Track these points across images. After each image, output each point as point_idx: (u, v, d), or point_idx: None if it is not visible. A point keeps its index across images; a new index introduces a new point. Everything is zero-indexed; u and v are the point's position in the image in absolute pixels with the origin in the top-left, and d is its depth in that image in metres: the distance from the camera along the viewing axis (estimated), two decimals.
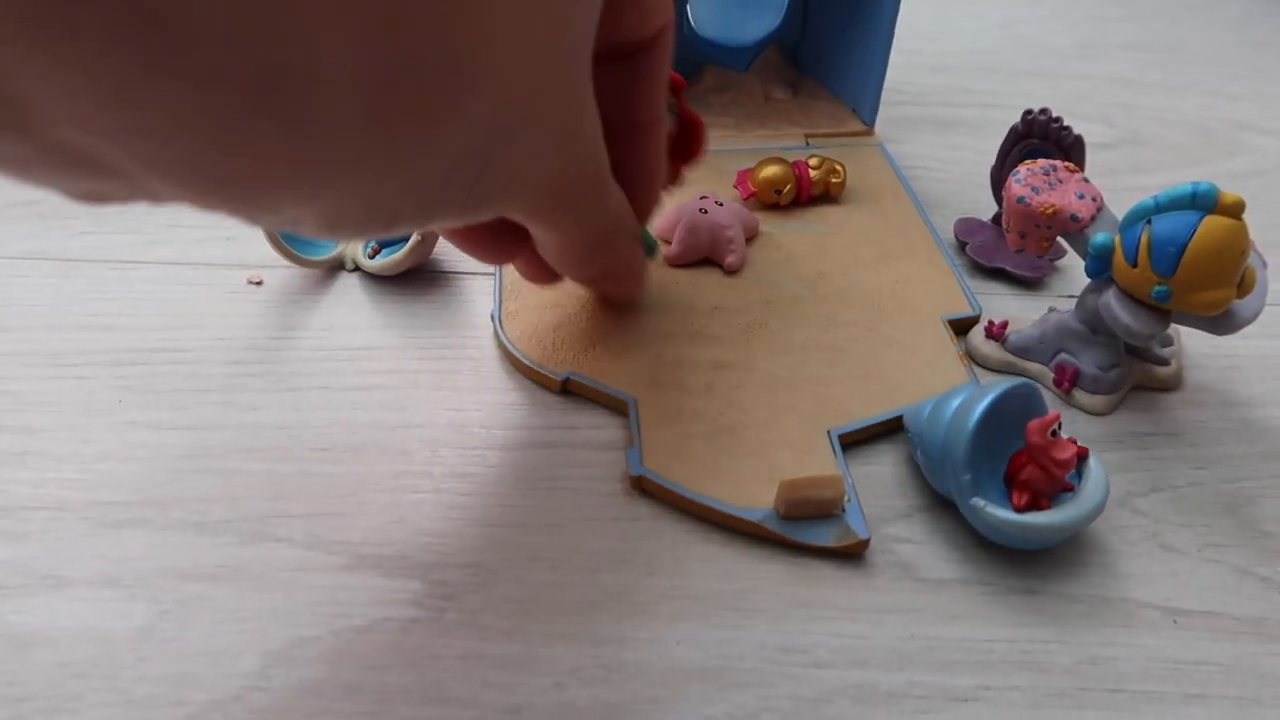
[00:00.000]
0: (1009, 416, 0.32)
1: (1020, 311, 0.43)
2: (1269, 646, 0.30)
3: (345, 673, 0.29)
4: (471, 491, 0.35)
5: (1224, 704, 0.29)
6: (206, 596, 0.31)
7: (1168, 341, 0.40)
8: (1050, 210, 0.35)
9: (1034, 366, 0.39)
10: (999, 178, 0.45)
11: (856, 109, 0.54)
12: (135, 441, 0.36)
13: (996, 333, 0.40)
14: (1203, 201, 0.32)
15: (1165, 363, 0.39)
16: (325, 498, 0.34)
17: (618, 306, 0.41)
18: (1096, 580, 0.32)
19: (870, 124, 0.53)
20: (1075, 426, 0.38)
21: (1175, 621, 0.31)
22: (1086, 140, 0.43)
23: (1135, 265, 0.33)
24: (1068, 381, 0.38)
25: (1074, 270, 0.45)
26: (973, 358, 0.40)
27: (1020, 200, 0.36)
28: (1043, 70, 0.62)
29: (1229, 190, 0.32)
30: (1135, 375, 0.39)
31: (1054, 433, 0.31)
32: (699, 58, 0.57)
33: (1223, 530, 0.34)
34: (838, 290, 0.42)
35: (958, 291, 0.42)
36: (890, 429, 0.37)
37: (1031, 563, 0.32)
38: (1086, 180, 0.37)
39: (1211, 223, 0.32)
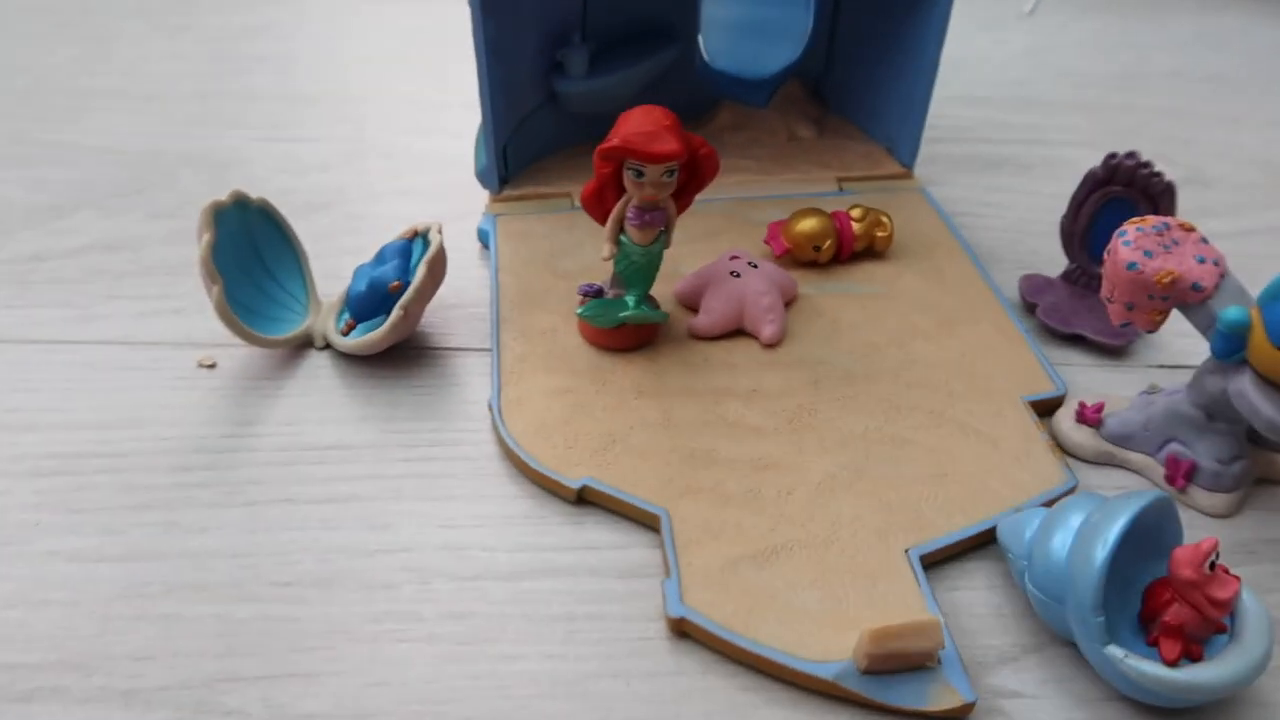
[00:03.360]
0: (1142, 537, 0.26)
1: (1108, 387, 0.37)
2: None
3: None
4: (472, 638, 0.28)
5: None
6: None
7: None
8: (1168, 278, 0.29)
9: (1137, 458, 0.33)
10: (1071, 230, 0.39)
11: (892, 149, 0.48)
12: (54, 579, 0.29)
13: (1091, 417, 0.34)
14: None
15: None
16: (289, 652, 0.27)
17: (638, 391, 0.35)
18: None
19: (909, 166, 0.47)
20: (1193, 534, 0.31)
21: None
22: None
23: None
24: (1182, 478, 0.32)
25: (1164, 335, 0.38)
26: (1063, 447, 0.34)
27: (1131, 266, 0.30)
28: (1084, 102, 0.57)
29: None
30: (1259, 468, 0.33)
31: (1211, 565, 0.25)
32: (713, 93, 0.51)
33: None
34: (895, 366, 0.36)
35: (1035, 365, 0.36)
36: (978, 543, 0.30)
37: (1175, 718, 0.26)
38: (1205, 241, 0.31)
39: None
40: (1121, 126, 0.54)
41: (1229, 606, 0.25)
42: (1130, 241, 0.30)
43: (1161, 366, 0.38)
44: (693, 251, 0.41)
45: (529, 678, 0.27)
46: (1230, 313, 0.28)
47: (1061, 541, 0.27)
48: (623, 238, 0.34)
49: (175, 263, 0.43)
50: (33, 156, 0.51)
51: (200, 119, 0.54)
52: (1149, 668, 0.24)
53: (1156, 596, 0.26)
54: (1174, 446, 0.32)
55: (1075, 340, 0.39)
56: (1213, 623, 0.25)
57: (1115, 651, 0.25)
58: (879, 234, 0.41)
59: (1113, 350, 0.38)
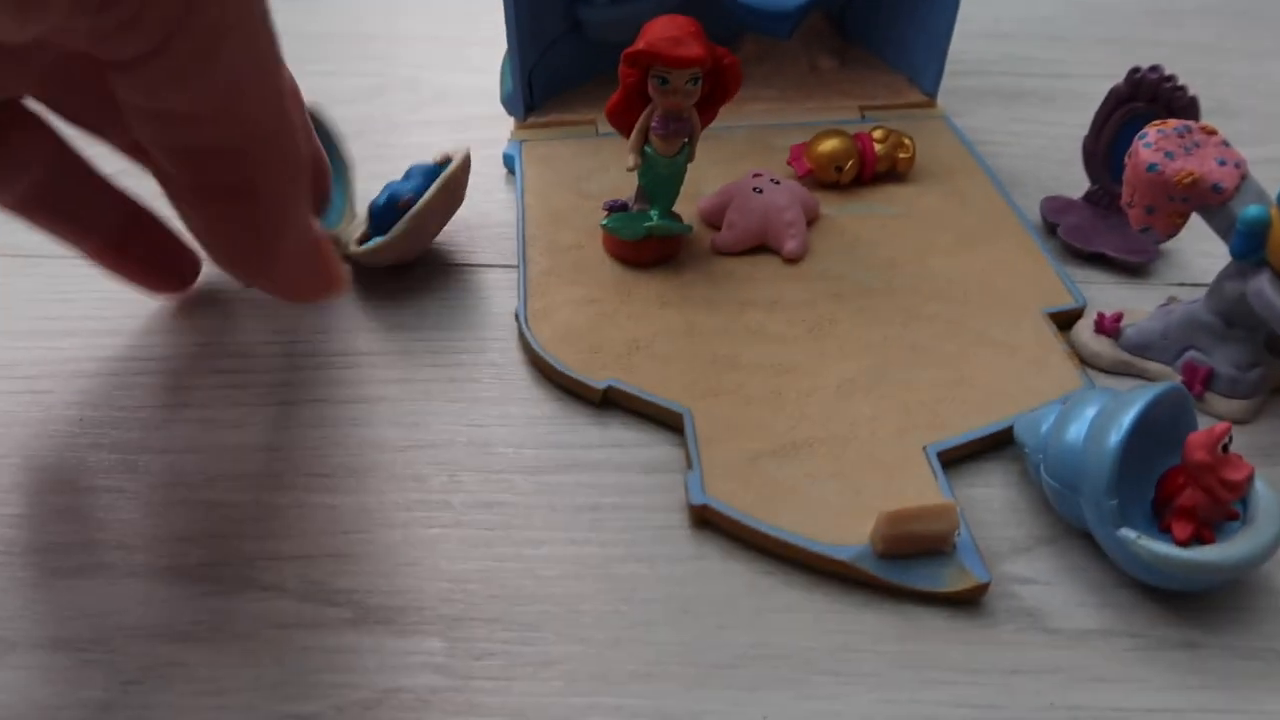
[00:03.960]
0: (1157, 428, 0.26)
1: (1127, 303, 0.37)
2: None
3: None
4: (499, 525, 0.29)
5: None
6: (179, 663, 0.25)
7: None
8: (1189, 179, 0.30)
9: (1155, 367, 0.34)
10: (1093, 150, 0.39)
11: (916, 78, 0.48)
12: (99, 466, 0.31)
13: (1109, 327, 0.34)
14: None
15: None
16: (324, 535, 0.28)
17: (662, 302, 0.35)
18: (1270, 628, 0.26)
19: (933, 94, 0.47)
20: None
21: None
22: None
23: None
24: (1199, 384, 0.32)
25: (1185, 254, 0.39)
26: (1081, 357, 0.34)
27: (1151, 168, 0.30)
28: (1112, 37, 0.57)
29: None
30: (1275, 377, 0.33)
31: (1224, 448, 0.25)
32: (736, 25, 0.51)
33: None
34: (914, 281, 0.36)
35: (1055, 280, 0.37)
36: (996, 443, 0.31)
37: (1187, 608, 0.27)
38: (1226, 144, 0.31)
39: None
40: (1148, 59, 0.53)
41: (1242, 489, 0.25)
42: (1151, 143, 0.30)
43: (1182, 284, 0.38)
44: (716, 175, 0.42)
45: (555, 561, 0.28)
46: (1250, 210, 0.29)
47: (1077, 431, 0.27)
48: (647, 149, 0.35)
49: None
50: None
51: None
52: (1161, 548, 0.25)
53: (1170, 482, 0.26)
54: (1192, 354, 0.33)
55: (1097, 259, 0.39)
56: (1225, 507, 0.26)
57: (1128, 534, 0.25)
58: (901, 155, 0.41)
59: (1134, 268, 0.38)
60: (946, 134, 0.45)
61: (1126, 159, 0.31)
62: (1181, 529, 0.25)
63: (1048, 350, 0.33)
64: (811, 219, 0.39)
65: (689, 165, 0.36)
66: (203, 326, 0.36)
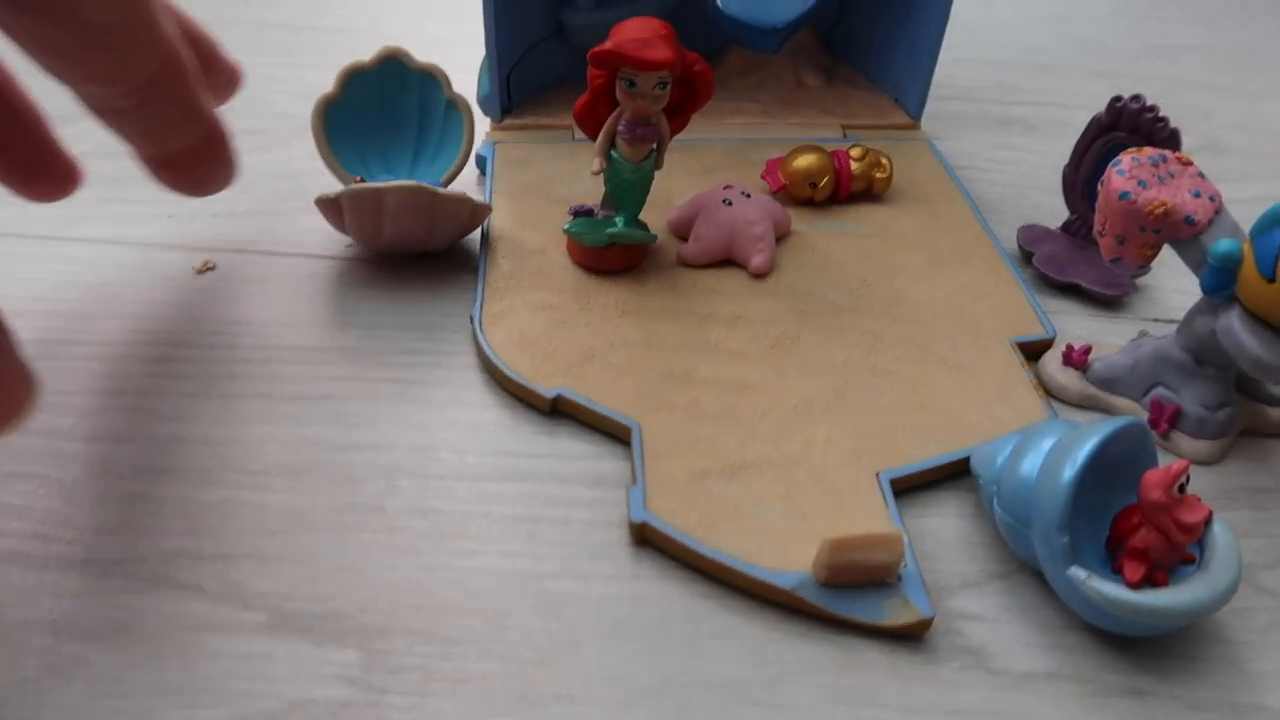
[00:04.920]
0: (1114, 464, 0.25)
1: (1099, 336, 0.36)
2: None
3: None
4: (432, 533, 0.28)
5: None
6: (83, 661, 0.24)
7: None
8: (1160, 209, 0.29)
9: (1122, 402, 0.33)
10: (1073, 179, 0.39)
11: (901, 99, 0.47)
12: (24, 453, 0.30)
13: (1077, 359, 0.33)
14: None
15: (1278, 403, 0.32)
16: (249, 535, 0.27)
17: (621, 311, 0.34)
18: (1220, 679, 0.25)
19: (916, 117, 0.46)
20: None
21: None
22: None
23: (1274, 280, 0.27)
24: (1166, 422, 0.31)
25: (1159, 289, 0.38)
26: (1047, 389, 0.33)
27: (1123, 196, 0.29)
28: (1103, 70, 0.56)
29: None
30: (1245, 419, 0.32)
31: (1181, 489, 0.24)
32: (723, 38, 0.50)
33: None
34: (884, 302, 0.36)
35: (1026, 309, 0.36)
36: (952, 473, 0.30)
37: (1137, 653, 0.26)
38: (1202, 176, 0.30)
39: None
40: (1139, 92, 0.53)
41: (1197, 532, 0.24)
42: (1124, 171, 0.29)
43: (1156, 320, 0.37)
44: (690, 185, 0.41)
45: (486, 573, 0.27)
46: (1221, 244, 0.28)
47: (1031, 463, 0.26)
48: (613, 153, 0.34)
49: None
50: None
51: None
52: (1110, 589, 0.24)
53: (1125, 520, 0.25)
54: (1160, 391, 0.32)
55: (1071, 290, 0.38)
56: (1180, 549, 0.25)
57: (1077, 573, 0.24)
58: (878, 175, 0.40)
59: (1107, 301, 0.37)
60: (928, 157, 0.44)
61: (1099, 185, 0.30)
62: (1133, 571, 0.24)
63: (1013, 379, 0.33)
64: (782, 234, 0.38)
65: (660, 174, 0.35)
66: (150, 313, 0.35)
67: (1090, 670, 0.25)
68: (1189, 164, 0.30)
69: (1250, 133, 0.50)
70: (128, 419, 0.31)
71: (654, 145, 0.34)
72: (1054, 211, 0.41)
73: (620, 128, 0.33)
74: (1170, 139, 0.36)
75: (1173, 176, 0.29)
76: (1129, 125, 0.36)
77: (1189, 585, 0.24)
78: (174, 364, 0.33)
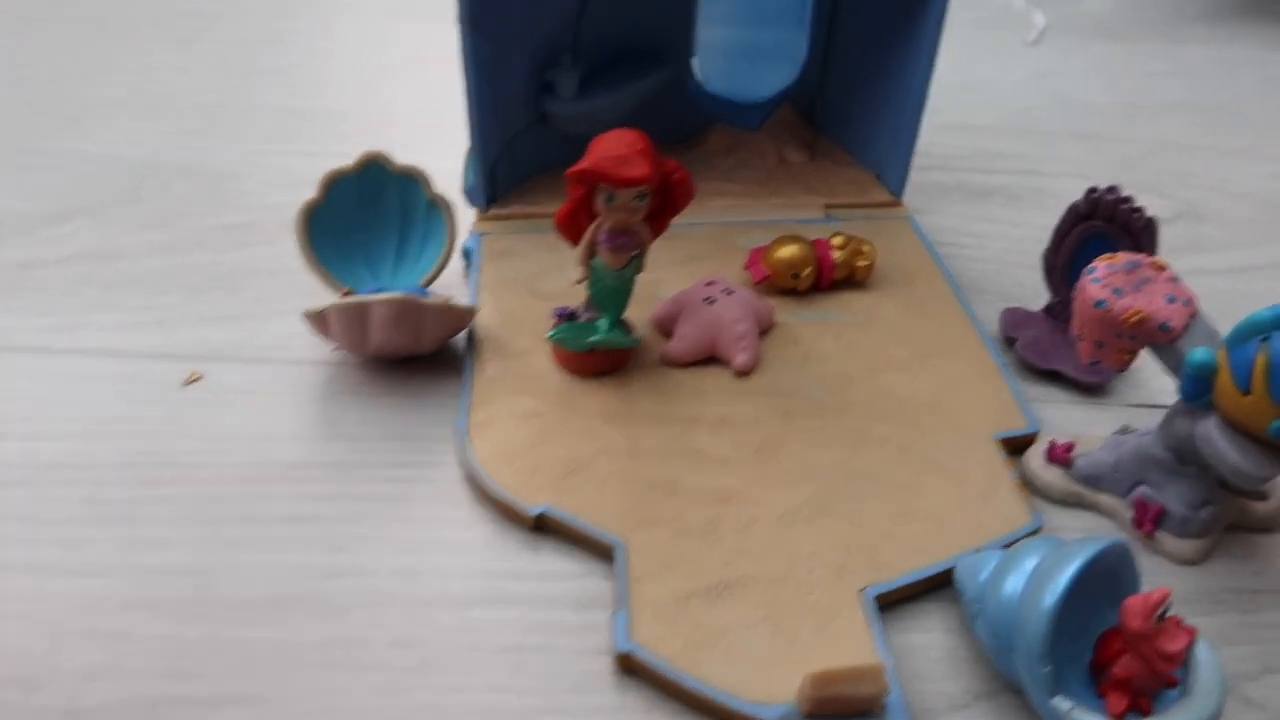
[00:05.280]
0: (1097, 583, 0.25)
1: (1083, 425, 0.36)
2: None
3: None
4: (417, 668, 0.28)
5: None
6: None
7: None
8: (1136, 317, 0.29)
9: (1106, 500, 0.33)
10: (1053, 263, 0.39)
11: (882, 175, 0.48)
12: (8, 591, 0.30)
13: (1061, 456, 0.33)
14: None
15: (1264, 497, 0.32)
16: (236, 676, 0.27)
17: (606, 416, 0.35)
18: None
19: (898, 194, 0.46)
20: (1164, 579, 0.31)
21: None
22: None
23: (1248, 393, 0.27)
24: (1150, 522, 0.31)
25: (1143, 374, 0.38)
26: (1032, 486, 0.34)
27: (1099, 304, 0.29)
28: (1084, 132, 0.56)
29: None
30: (1230, 514, 0.32)
31: (1161, 616, 0.24)
32: (706, 116, 0.51)
33: None
34: (867, 399, 0.36)
35: (1009, 402, 0.36)
36: (937, 584, 0.30)
37: None
38: (1177, 280, 0.30)
39: None
40: (1119, 158, 0.54)
41: (1179, 660, 0.24)
42: (1099, 279, 0.29)
43: (1140, 405, 0.37)
44: (674, 275, 0.41)
45: (471, 710, 0.27)
46: (1197, 354, 0.28)
47: (1014, 585, 0.26)
48: (595, 261, 0.34)
49: (163, 274, 0.43)
50: (34, 164, 0.51)
51: (200, 132, 0.55)
52: None
53: (1108, 646, 0.25)
54: (1143, 489, 0.32)
55: (1054, 376, 0.38)
56: (1162, 676, 0.25)
57: (1061, 704, 0.24)
58: (860, 263, 0.40)
59: (1091, 388, 0.38)
60: (910, 236, 0.45)
61: (1075, 292, 0.30)
62: (1116, 702, 0.24)
63: (997, 480, 0.33)
64: (766, 327, 0.39)
65: (642, 273, 0.35)
66: (138, 431, 0.35)
67: None
68: (1163, 268, 0.30)
69: (1229, 197, 0.51)
70: (114, 549, 0.31)
71: (635, 252, 0.34)
72: (1036, 289, 0.41)
73: (601, 237, 0.33)
74: (1146, 227, 0.36)
75: (1147, 282, 0.30)
76: (1106, 215, 0.36)
77: (1173, 713, 0.24)
78: (161, 486, 0.33)
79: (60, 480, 0.33)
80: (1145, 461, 0.32)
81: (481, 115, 0.42)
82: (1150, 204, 0.49)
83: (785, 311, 0.40)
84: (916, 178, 0.51)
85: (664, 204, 0.34)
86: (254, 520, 0.32)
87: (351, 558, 0.31)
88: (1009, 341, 0.39)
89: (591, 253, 0.34)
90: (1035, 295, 0.41)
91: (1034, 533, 0.31)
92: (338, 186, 0.39)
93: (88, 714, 0.26)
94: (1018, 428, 0.35)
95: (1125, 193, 0.36)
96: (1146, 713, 0.25)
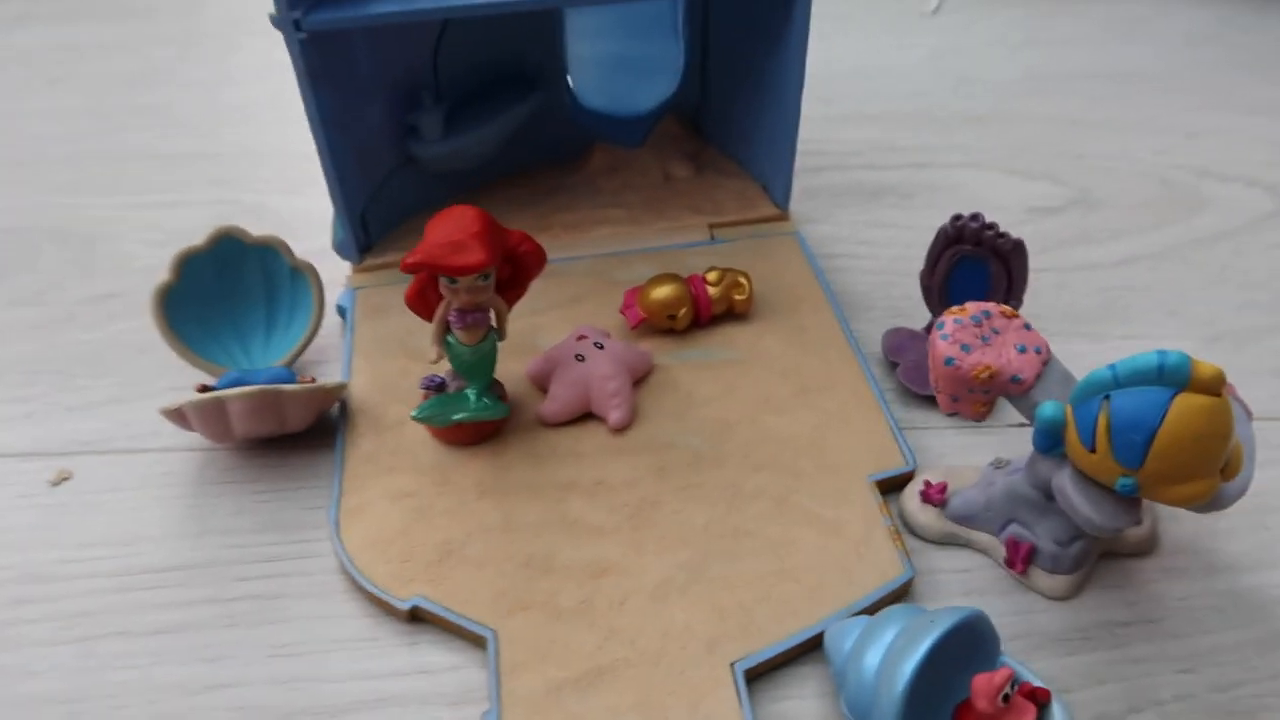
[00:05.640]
0: (956, 651, 0.26)
1: (962, 453, 0.36)
2: None
3: None
4: None
5: None
6: None
7: None
8: (986, 373, 0.29)
9: (981, 537, 0.33)
10: (929, 284, 0.39)
11: (768, 187, 0.47)
12: None
13: (935, 497, 0.33)
14: (1173, 376, 0.25)
15: (1136, 523, 0.33)
16: None
17: (480, 490, 0.34)
18: None
19: (784, 206, 0.46)
20: (1037, 618, 0.31)
21: None
22: (1033, 204, 0.36)
23: (1094, 450, 0.27)
24: (1022, 562, 0.32)
25: None
26: (909, 526, 0.34)
27: (949, 362, 0.29)
28: (981, 114, 0.55)
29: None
30: (1103, 542, 0.32)
31: (1007, 697, 0.24)
32: (585, 134, 0.49)
33: None
34: (745, 445, 0.35)
35: (888, 437, 0.36)
36: (810, 649, 0.30)
37: None
38: (1028, 327, 0.30)
39: (1185, 404, 0.25)
40: (1013, 142, 0.53)
41: None
42: (948, 335, 0.29)
43: (1020, 425, 0.37)
44: (553, 321, 0.40)
45: None
46: (1045, 410, 0.28)
47: (872, 660, 0.26)
48: (450, 339, 0.33)
49: (32, 358, 0.42)
50: None
51: (71, 186, 0.53)
52: None
53: (963, 716, 0.26)
54: (1014, 528, 0.32)
55: (934, 399, 0.38)
56: None
57: None
58: (737, 296, 0.40)
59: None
60: (795, 254, 0.44)
61: (929, 348, 0.30)
62: None
63: (871, 528, 0.33)
64: (644, 375, 0.38)
65: (523, 306, 0.35)
66: (6, 542, 0.34)
67: None
68: (1014, 316, 0.30)
69: (1120, 179, 0.50)
70: None
71: (489, 327, 0.33)
72: (922, 302, 0.41)
73: (451, 317, 0.33)
74: (1014, 250, 0.36)
75: (997, 334, 0.29)
76: (972, 240, 0.36)
77: None
78: (31, 604, 0.32)
79: None
80: (1015, 500, 0.32)
81: (339, 169, 0.40)
82: (1042, 192, 0.49)
83: (664, 353, 0.39)
84: (809, 180, 0.50)
85: (515, 274, 0.33)
86: (125, 634, 0.31)
87: (224, 668, 0.30)
88: (892, 365, 0.39)
89: (445, 330, 0.33)
90: (921, 309, 0.41)
91: (907, 583, 0.31)
92: (190, 265, 0.37)
93: None
94: (895, 467, 0.35)
95: (990, 220, 0.36)
96: None
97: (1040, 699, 0.26)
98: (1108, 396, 0.26)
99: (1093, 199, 0.49)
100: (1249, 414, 0.30)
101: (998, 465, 0.34)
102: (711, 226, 0.45)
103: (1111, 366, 0.26)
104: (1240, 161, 0.51)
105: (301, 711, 0.29)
